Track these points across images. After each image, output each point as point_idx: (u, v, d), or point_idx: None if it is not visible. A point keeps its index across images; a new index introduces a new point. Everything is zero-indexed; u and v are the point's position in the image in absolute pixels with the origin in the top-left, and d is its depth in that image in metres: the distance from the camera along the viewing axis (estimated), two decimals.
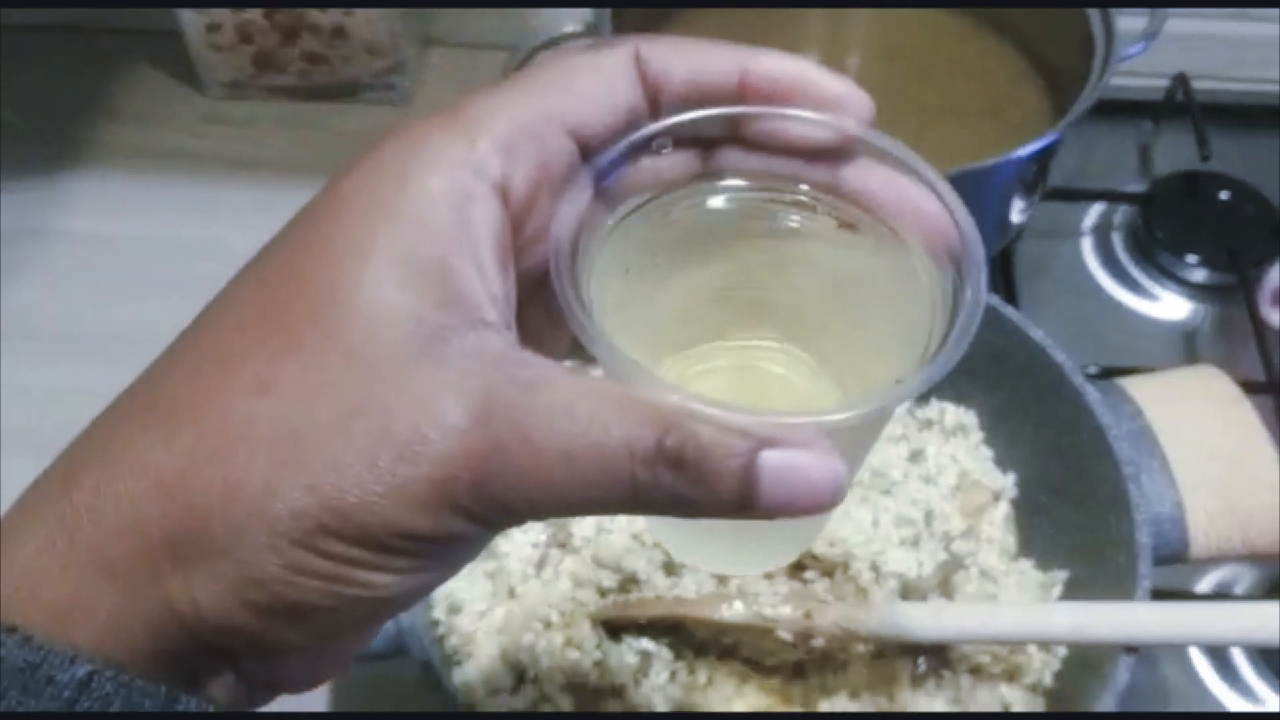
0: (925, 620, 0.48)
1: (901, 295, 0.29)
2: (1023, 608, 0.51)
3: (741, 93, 0.28)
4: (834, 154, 0.29)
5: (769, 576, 0.54)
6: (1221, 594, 0.64)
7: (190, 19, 0.87)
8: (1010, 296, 0.78)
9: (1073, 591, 0.53)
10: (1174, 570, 0.53)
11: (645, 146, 0.29)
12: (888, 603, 0.51)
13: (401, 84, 0.90)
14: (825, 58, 0.82)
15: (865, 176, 0.29)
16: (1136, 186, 0.86)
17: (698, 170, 0.30)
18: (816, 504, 0.24)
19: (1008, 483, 0.59)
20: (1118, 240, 0.84)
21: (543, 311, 0.29)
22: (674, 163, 0.30)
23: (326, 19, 0.86)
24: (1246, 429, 0.52)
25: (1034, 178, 0.73)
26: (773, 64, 0.28)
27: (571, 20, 0.72)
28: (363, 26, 0.87)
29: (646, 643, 0.52)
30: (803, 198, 0.30)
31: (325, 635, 0.26)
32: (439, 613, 0.53)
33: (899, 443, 0.60)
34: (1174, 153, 0.88)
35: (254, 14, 0.86)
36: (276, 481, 0.23)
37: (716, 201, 0.31)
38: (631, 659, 0.52)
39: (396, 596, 0.25)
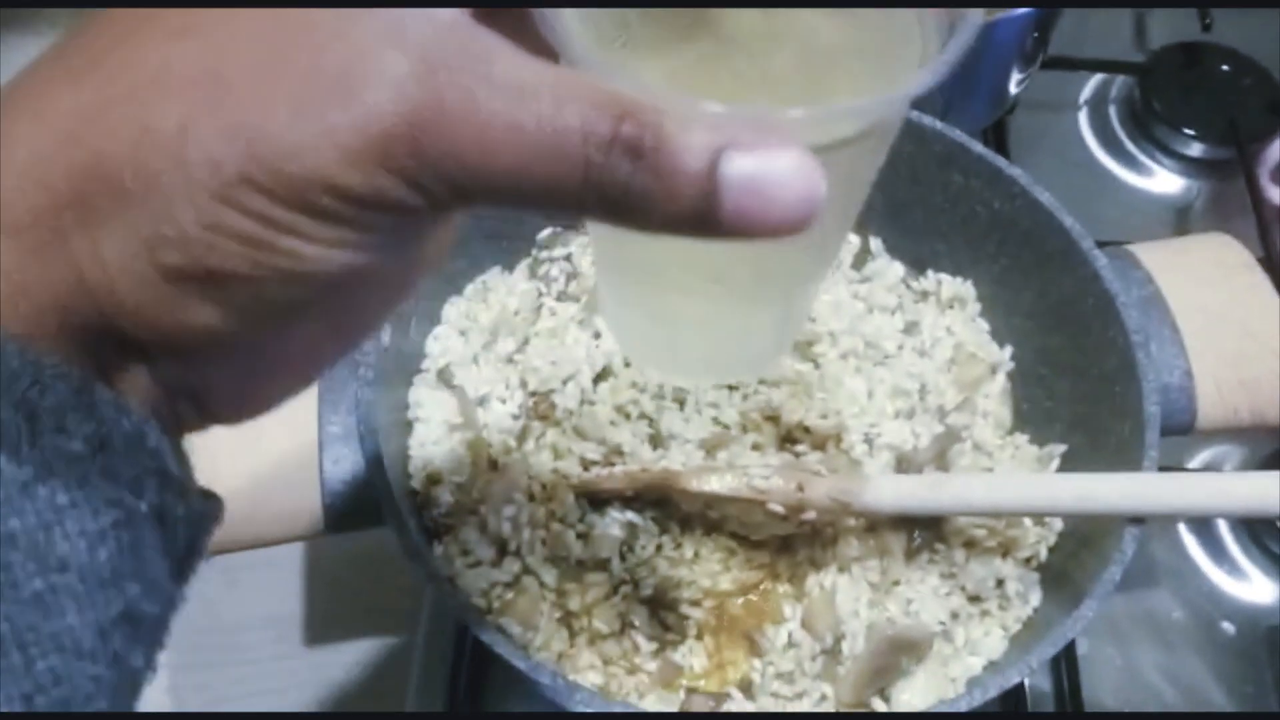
0: (922, 492, 0.47)
1: (895, 64, 0.27)
2: (1025, 478, 0.49)
3: None
4: None
5: (756, 449, 0.52)
6: (1211, 470, 0.63)
7: None
8: None
9: (1070, 465, 0.52)
10: (1165, 447, 0.52)
11: None
12: (883, 475, 0.49)
13: None
14: None
15: None
16: (1133, 58, 0.83)
17: None
18: (785, 219, 0.22)
19: (1004, 356, 0.57)
20: (1114, 113, 0.81)
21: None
22: None
23: None
24: (1258, 297, 0.50)
25: (1033, 46, 0.70)
26: None
27: None
28: None
29: (631, 515, 0.50)
30: None
31: (248, 317, 0.23)
32: (417, 484, 0.51)
33: (893, 314, 0.57)
34: (1171, 23, 0.85)
35: None
36: (194, 124, 0.21)
37: None
38: (616, 531, 0.50)
39: (328, 275, 0.22)
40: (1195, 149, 0.78)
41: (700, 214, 0.22)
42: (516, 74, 0.21)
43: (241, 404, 0.26)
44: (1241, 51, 0.81)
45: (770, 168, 0.21)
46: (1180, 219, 0.77)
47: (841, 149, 0.23)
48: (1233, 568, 0.62)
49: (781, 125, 0.22)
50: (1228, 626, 0.61)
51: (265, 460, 0.45)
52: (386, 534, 0.46)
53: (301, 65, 0.21)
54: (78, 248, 0.21)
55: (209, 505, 0.25)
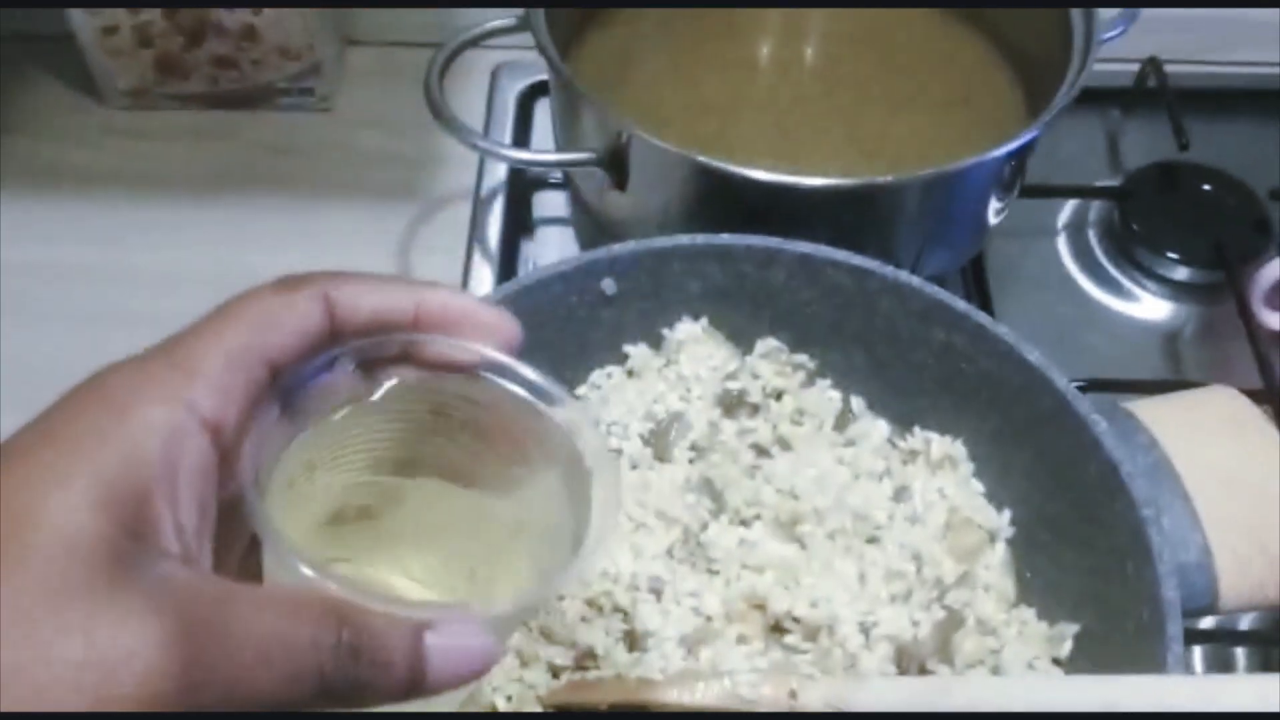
0: (931, 697, 0.42)
1: (554, 522, 0.34)
2: (1042, 682, 0.45)
3: (416, 323, 0.33)
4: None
5: (743, 642, 0.48)
6: (1225, 631, 0.59)
7: (83, 21, 0.78)
8: (984, 301, 0.72)
9: (1085, 647, 0.48)
10: None
11: (328, 367, 0.32)
12: (883, 675, 0.45)
13: (320, 87, 0.83)
14: (780, 46, 0.76)
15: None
16: (1109, 180, 0.81)
17: (374, 390, 0.34)
18: (475, 675, 0.29)
19: (1003, 521, 0.53)
20: (1093, 237, 0.79)
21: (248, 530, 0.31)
22: (354, 383, 0.33)
23: (232, 19, 0.78)
24: (1273, 456, 0.47)
25: (1011, 176, 0.67)
26: (443, 298, 0.33)
27: (500, 16, 0.67)
28: (273, 26, 0.79)
29: None
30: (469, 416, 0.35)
31: None
32: None
33: (881, 480, 0.53)
34: (1147, 143, 0.83)
35: (153, 14, 0.78)
36: None
37: (384, 427, 0.35)
38: None
39: None
40: (1180, 273, 0.76)
41: (411, 685, 0.27)
42: (253, 608, 0.26)
43: None
44: (1222, 169, 0.79)
45: (456, 641, 0.28)
46: (1170, 347, 0.74)
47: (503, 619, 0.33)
48: None
49: (463, 612, 0.30)
50: None
51: None
52: None
53: (74, 652, 0.24)
54: None
55: None
